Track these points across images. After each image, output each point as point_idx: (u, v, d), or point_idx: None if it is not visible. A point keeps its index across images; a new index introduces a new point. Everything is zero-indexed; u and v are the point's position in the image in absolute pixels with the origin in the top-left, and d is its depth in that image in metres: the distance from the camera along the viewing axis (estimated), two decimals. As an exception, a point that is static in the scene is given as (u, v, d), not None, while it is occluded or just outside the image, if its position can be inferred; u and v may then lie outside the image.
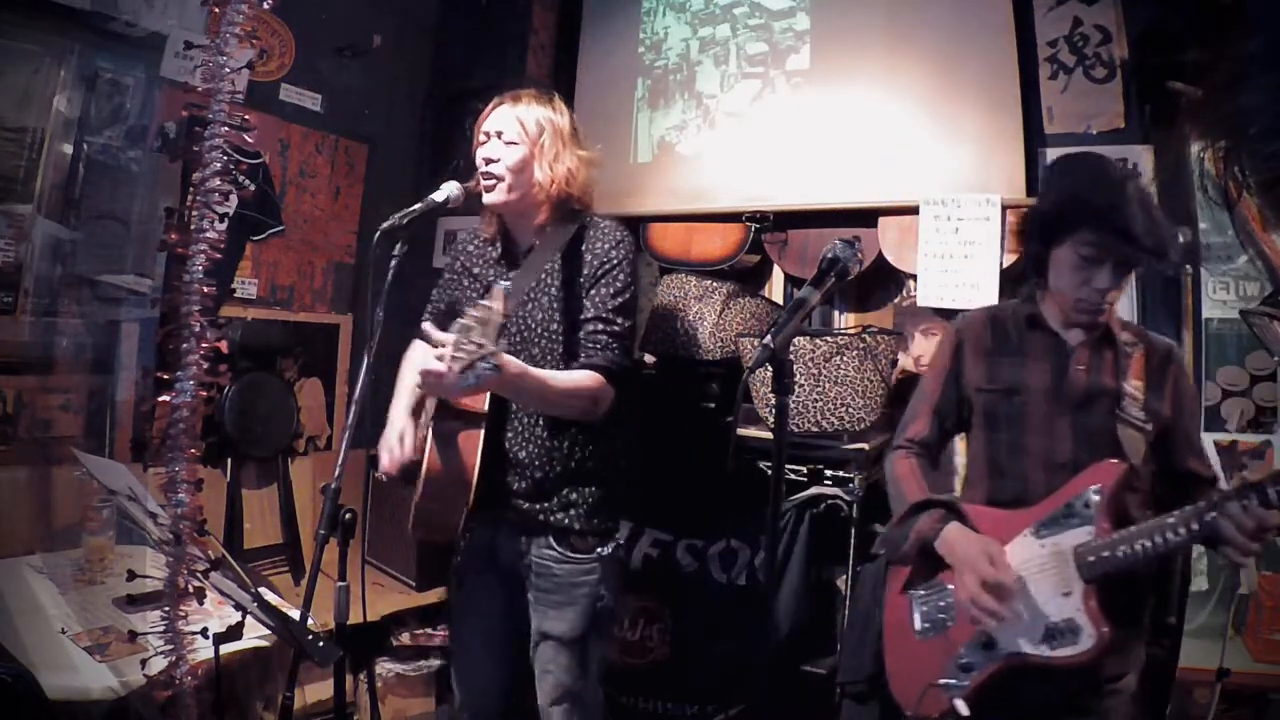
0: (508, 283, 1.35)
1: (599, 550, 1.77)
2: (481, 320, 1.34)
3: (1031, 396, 1.54)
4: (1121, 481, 1.44)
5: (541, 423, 1.72)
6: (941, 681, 1.49)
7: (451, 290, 1.94)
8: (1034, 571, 1.45)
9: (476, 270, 1.87)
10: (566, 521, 1.74)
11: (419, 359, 1.91)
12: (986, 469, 1.59)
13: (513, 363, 1.54)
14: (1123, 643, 1.44)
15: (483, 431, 1.66)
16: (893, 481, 1.66)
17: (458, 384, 1.35)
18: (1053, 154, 2.23)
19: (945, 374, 1.66)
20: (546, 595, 1.75)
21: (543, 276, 1.74)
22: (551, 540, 1.74)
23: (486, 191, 1.74)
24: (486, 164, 1.73)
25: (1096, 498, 1.43)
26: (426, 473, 1.65)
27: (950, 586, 1.55)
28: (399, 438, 1.76)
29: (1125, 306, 2.14)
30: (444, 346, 1.34)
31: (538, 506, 1.74)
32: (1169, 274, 1.47)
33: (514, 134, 1.72)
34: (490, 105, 1.79)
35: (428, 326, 1.49)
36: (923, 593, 1.60)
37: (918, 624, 1.59)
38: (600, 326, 1.69)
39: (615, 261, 1.73)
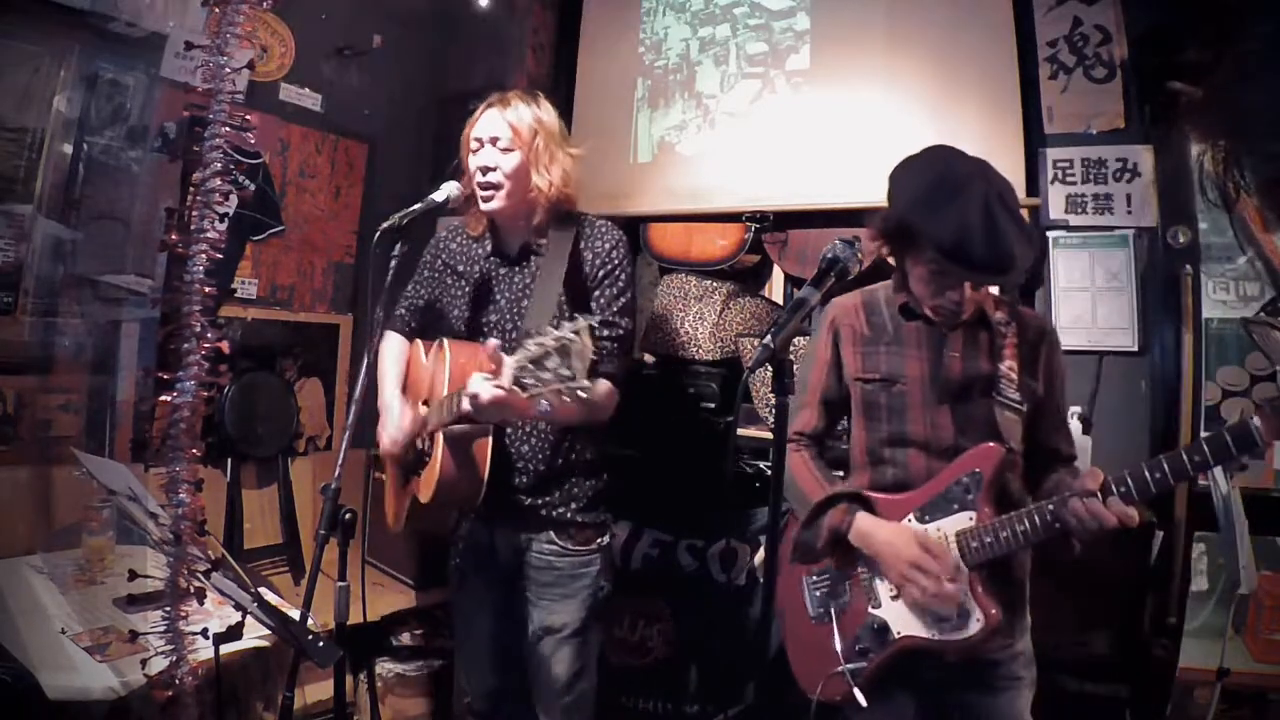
0: (590, 320, 1.25)
1: (598, 541, 1.79)
2: (560, 349, 1.24)
3: (910, 385, 1.54)
4: (1000, 465, 1.45)
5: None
6: (841, 669, 1.51)
7: (431, 287, 1.92)
8: None
9: (461, 268, 1.85)
10: (568, 515, 1.75)
11: (395, 350, 1.89)
12: (867, 456, 1.60)
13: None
14: (1009, 621, 1.46)
15: (491, 435, 1.65)
16: (787, 479, 1.61)
17: (524, 412, 1.30)
18: (1052, 154, 2.23)
19: (826, 365, 1.65)
20: (548, 589, 1.76)
21: (544, 277, 1.72)
22: (552, 534, 1.75)
23: (485, 201, 1.72)
24: (483, 173, 1.71)
25: (977, 482, 1.44)
26: (439, 476, 1.64)
27: (841, 571, 1.56)
28: (399, 417, 1.74)
29: (1125, 306, 2.14)
30: (504, 368, 1.29)
31: (540, 500, 1.74)
32: (1020, 283, 1.42)
33: (508, 140, 1.70)
34: (479, 110, 1.76)
35: (494, 343, 1.36)
36: (814, 578, 1.61)
37: (811, 609, 1.61)
38: (607, 332, 1.69)
39: (616, 262, 1.74)
